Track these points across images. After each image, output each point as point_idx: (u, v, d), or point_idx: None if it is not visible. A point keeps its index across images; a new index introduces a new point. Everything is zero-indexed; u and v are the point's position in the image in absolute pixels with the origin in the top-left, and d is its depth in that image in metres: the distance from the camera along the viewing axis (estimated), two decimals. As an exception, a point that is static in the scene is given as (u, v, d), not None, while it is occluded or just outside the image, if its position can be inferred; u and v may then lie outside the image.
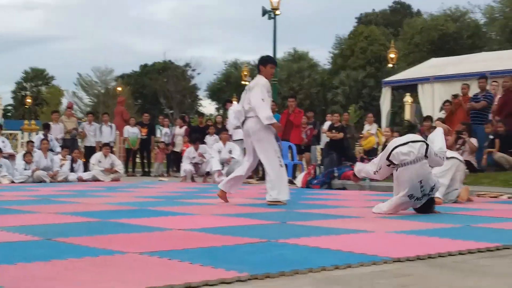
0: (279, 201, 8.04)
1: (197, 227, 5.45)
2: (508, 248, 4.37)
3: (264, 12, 24.19)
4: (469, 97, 13.59)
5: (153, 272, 3.43)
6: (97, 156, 15.62)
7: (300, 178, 12.88)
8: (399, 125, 23.00)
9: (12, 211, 7.06)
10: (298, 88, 50.12)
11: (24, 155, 14.48)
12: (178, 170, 16.78)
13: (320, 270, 3.53)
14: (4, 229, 5.22)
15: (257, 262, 3.73)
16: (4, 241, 4.59)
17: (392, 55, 29.10)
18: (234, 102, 17.61)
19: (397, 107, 30.74)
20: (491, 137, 12.19)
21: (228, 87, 58.54)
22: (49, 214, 6.70)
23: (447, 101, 14.93)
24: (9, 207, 7.51)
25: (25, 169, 14.23)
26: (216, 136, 16.15)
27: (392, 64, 29.45)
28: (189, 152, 15.14)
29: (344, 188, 11.85)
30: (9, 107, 73.59)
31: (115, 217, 6.27)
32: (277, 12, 23.96)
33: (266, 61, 8.47)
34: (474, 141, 12.10)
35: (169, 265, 3.65)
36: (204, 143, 15.90)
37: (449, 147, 11.53)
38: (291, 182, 13.43)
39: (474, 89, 14.18)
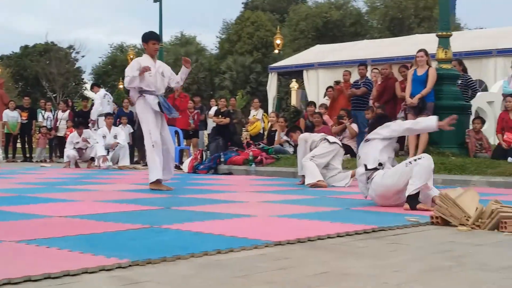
0: (159, 184, 8.00)
1: (78, 213, 5.35)
2: (383, 230, 4.56)
3: (150, -6, 23.84)
4: (350, 84, 13.99)
5: (30, 260, 3.33)
6: (-27, 141, 14.97)
7: (186, 163, 12.86)
8: (285, 111, 23.36)
9: None
10: (186, 72, 49.80)
11: None
12: (62, 155, 16.34)
13: (202, 255, 3.56)
14: None
15: (139, 248, 3.70)
16: None
17: (278, 41, 29.45)
18: (102, 89, 17.19)
19: (283, 93, 31.23)
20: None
21: (114, 70, 57.39)
22: None
23: (330, 87, 15.31)
24: None
25: None
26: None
27: (278, 50, 29.83)
28: (73, 137, 14.75)
29: (230, 173, 11.94)
30: None
31: (-8, 205, 6.03)
32: (163, -5, 23.69)
33: (147, 38, 8.37)
34: (354, 126, 12.51)
35: (47, 253, 3.56)
36: (88, 127, 15.56)
37: (335, 133, 11.87)
38: (177, 167, 13.40)
39: (355, 76, 14.61)
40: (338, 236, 4.24)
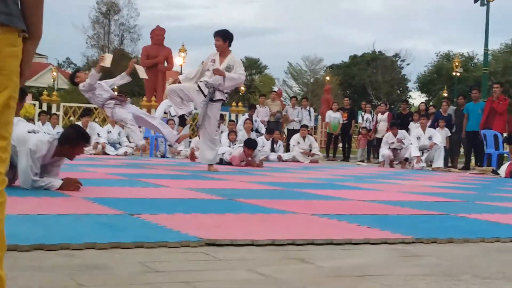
0: None
1: (378, 199, 5.38)
2: None
3: (476, -3, 23.00)
4: None
5: (316, 228, 3.43)
6: (295, 137, 15.86)
7: (504, 168, 12.12)
8: None
9: (209, 178, 7.47)
10: (515, 81, 47.21)
11: (229, 134, 15.09)
12: (379, 156, 16.57)
13: (493, 241, 3.36)
14: (198, 190, 5.52)
15: (427, 229, 3.60)
16: (190, 197, 4.89)
17: None
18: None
19: None
20: None
21: (439, 79, 56.71)
22: (240, 182, 7.00)
23: None
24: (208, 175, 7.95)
25: (228, 147, 14.82)
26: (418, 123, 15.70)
27: None
28: (388, 137, 14.89)
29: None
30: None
31: (300, 188, 6.36)
32: (491, -3, 22.68)
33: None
34: None
35: (335, 225, 3.63)
36: (407, 129, 15.52)
37: None
38: (495, 172, 12.75)
39: None
40: None
